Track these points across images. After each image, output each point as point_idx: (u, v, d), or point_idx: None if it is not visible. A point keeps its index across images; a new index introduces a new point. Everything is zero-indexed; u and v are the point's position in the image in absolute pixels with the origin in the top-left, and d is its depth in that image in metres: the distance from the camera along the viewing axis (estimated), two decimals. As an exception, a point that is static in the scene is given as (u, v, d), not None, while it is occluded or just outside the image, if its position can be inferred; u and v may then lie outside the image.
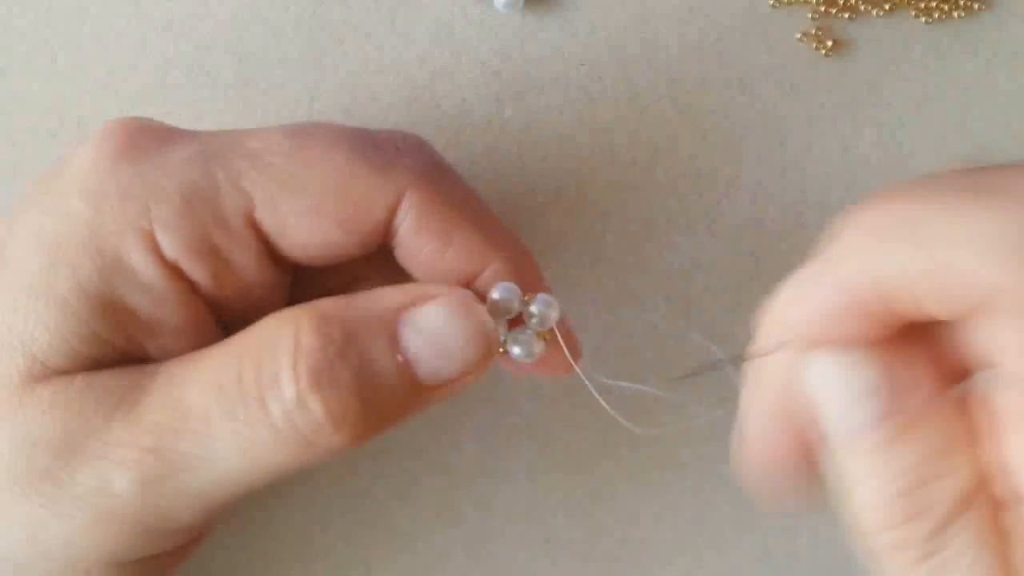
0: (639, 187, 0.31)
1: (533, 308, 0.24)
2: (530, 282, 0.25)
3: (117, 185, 0.22)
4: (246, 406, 0.22)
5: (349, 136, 0.24)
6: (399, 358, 0.22)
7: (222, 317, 0.24)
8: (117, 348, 0.23)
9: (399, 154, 0.24)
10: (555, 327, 0.24)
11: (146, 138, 0.23)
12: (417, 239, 0.24)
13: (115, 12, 0.30)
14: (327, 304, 0.22)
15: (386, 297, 0.23)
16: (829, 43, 0.31)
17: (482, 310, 0.23)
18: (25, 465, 0.22)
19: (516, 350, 0.24)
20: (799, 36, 0.31)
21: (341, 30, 0.30)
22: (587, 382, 0.25)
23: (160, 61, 0.30)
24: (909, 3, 0.31)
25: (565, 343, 0.25)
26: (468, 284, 0.24)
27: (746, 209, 0.32)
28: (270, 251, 0.24)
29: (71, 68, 0.30)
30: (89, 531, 0.22)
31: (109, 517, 0.22)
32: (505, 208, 0.31)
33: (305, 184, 0.23)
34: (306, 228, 0.23)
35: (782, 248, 0.32)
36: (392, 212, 0.23)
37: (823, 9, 0.31)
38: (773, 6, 0.31)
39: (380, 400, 0.22)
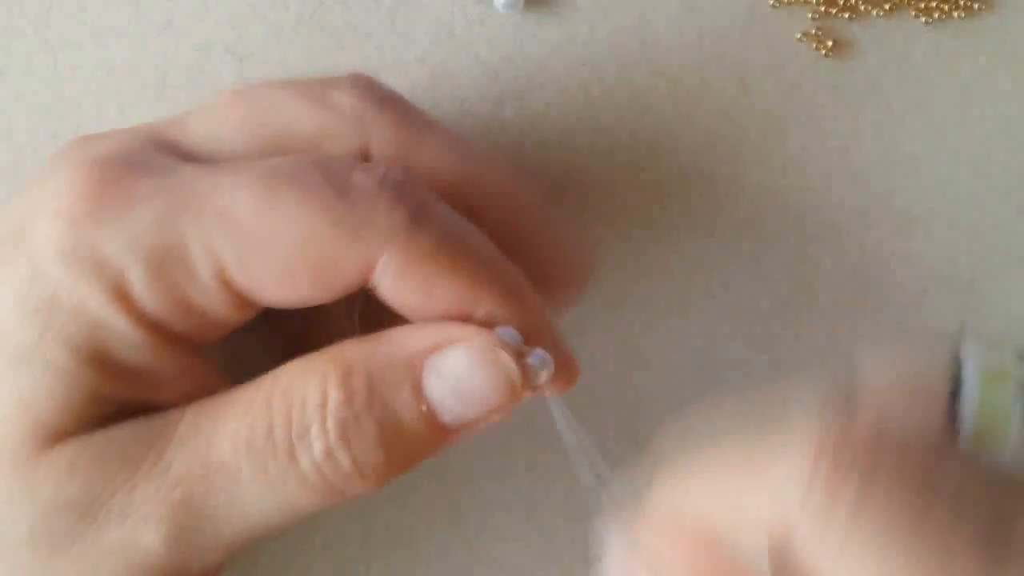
0: (639, 187, 0.31)
1: (528, 361, 0.24)
2: (528, 321, 0.24)
3: (91, 249, 0.22)
4: (276, 460, 0.22)
5: (322, 189, 0.22)
6: (423, 407, 0.22)
7: (205, 344, 0.24)
8: (122, 403, 0.23)
9: (377, 208, 0.22)
10: (547, 386, 0.24)
11: (114, 188, 0.22)
12: (397, 294, 0.23)
13: (115, 12, 0.30)
14: (351, 352, 0.22)
15: (409, 341, 0.23)
16: (829, 43, 0.31)
17: (506, 356, 0.23)
18: (50, 529, 0.22)
19: None
20: (799, 36, 0.31)
21: (341, 30, 0.30)
22: (570, 449, 0.26)
23: (160, 61, 0.30)
24: (909, 3, 0.31)
25: (562, 382, 0.25)
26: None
27: (746, 209, 0.32)
28: (245, 300, 0.23)
29: (71, 68, 0.30)
30: None
31: (138, 570, 0.22)
32: (505, 208, 0.31)
33: (275, 244, 0.22)
34: (278, 287, 0.23)
35: (782, 248, 0.32)
36: (367, 273, 0.23)
37: (823, 9, 0.31)
38: (773, 6, 0.31)
39: (405, 447, 0.22)
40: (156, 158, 0.24)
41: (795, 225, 0.32)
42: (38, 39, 0.30)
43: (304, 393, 0.22)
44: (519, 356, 0.23)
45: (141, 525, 0.22)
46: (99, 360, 0.22)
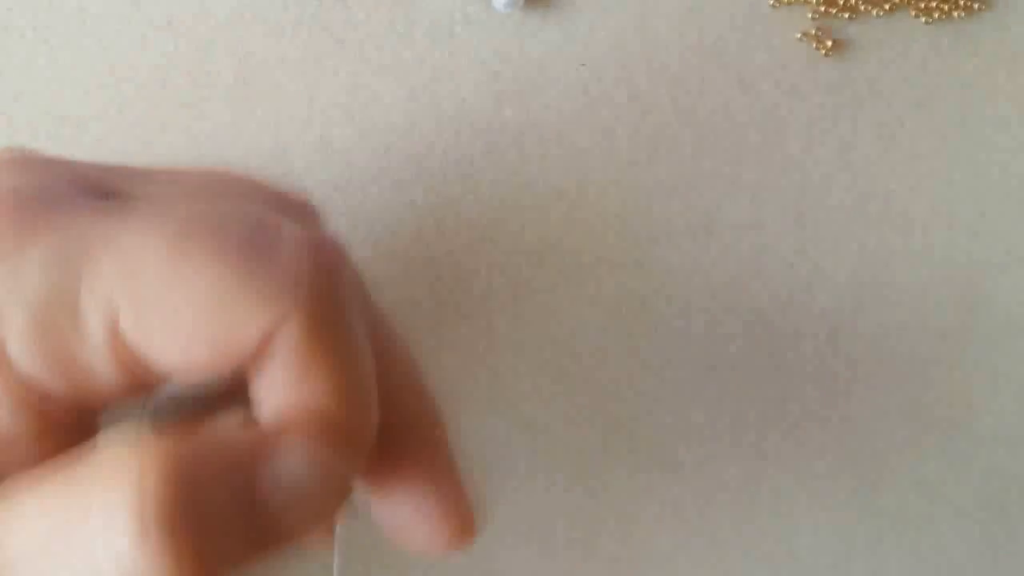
0: (639, 187, 0.31)
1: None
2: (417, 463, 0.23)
3: None
4: (75, 552, 0.19)
5: (238, 242, 0.21)
6: (250, 502, 0.20)
7: (77, 418, 0.22)
8: None
9: (291, 280, 0.21)
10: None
11: (4, 227, 0.20)
12: (279, 371, 0.21)
13: (115, 12, 0.30)
14: (175, 441, 0.20)
15: (244, 441, 0.21)
16: (829, 43, 0.31)
17: (336, 459, 0.21)
18: None
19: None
20: (799, 36, 0.31)
21: (341, 30, 0.30)
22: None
23: (160, 61, 0.30)
24: (909, 3, 0.31)
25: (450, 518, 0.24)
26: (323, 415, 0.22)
27: (746, 209, 0.32)
28: (135, 366, 0.21)
29: (71, 68, 0.30)
30: None
31: None
32: (505, 208, 0.31)
33: (177, 302, 0.20)
34: (174, 348, 0.21)
35: (782, 248, 0.32)
36: (266, 341, 0.21)
37: (823, 9, 0.31)
38: (773, 6, 0.31)
39: (232, 548, 0.20)
40: (71, 194, 0.22)
41: (795, 225, 0.32)
42: (38, 39, 0.30)
43: (112, 481, 0.19)
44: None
45: None
46: None
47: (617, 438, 0.33)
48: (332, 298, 0.22)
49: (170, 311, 0.20)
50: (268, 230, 0.22)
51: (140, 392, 0.22)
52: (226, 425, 0.21)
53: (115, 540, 0.19)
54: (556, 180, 0.31)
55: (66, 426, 0.22)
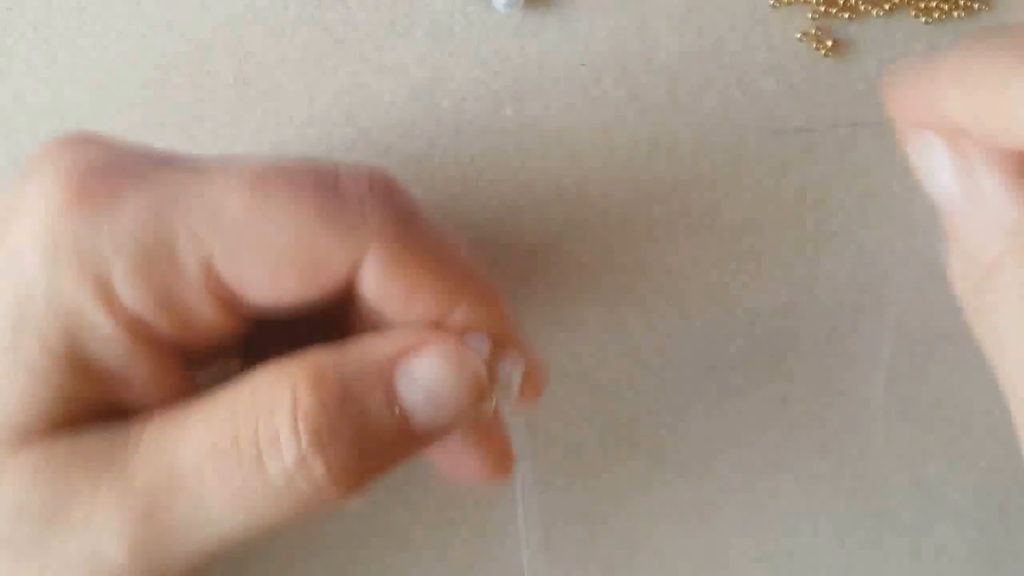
0: (639, 187, 0.31)
1: (500, 367, 0.24)
2: (499, 326, 0.25)
3: (74, 240, 0.22)
4: (243, 467, 0.21)
5: (313, 187, 0.23)
6: (397, 411, 0.22)
7: (189, 358, 0.24)
8: (91, 404, 0.23)
9: (365, 207, 0.23)
10: (515, 395, 0.25)
11: (99, 185, 0.22)
12: (380, 292, 0.23)
13: (115, 12, 0.30)
14: (321, 358, 0.22)
15: (379, 347, 0.23)
16: (829, 43, 0.31)
17: (476, 360, 0.23)
18: (12, 532, 0.22)
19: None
20: (799, 36, 0.31)
21: (341, 30, 0.30)
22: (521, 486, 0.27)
23: (160, 61, 0.30)
24: (909, 3, 0.31)
25: (530, 387, 0.25)
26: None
27: (746, 209, 0.32)
28: (230, 301, 0.23)
29: (71, 68, 0.30)
30: None
31: None
32: (505, 208, 0.31)
33: (265, 239, 0.22)
34: (266, 282, 0.23)
35: (782, 248, 0.32)
36: (354, 268, 0.23)
37: (823, 9, 0.31)
38: (773, 6, 0.31)
39: (378, 453, 0.22)
40: (143, 164, 0.23)
41: (795, 225, 0.32)
42: (38, 39, 0.30)
43: (272, 398, 0.22)
44: (490, 362, 0.24)
45: (104, 535, 0.21)
46: (73, 359, 0.22)
47: (617, 438, 0.33)
48: (406, 215, 0.24)
49: (257, 248, 0.22)
50: (331, 173, 0.24)
51: (239, 330, 0.24)
52: (372, 339, 0.23)
53: (278, 451, 0.21)
54: (556, 180, 0.31)
55: (177, 368, 0.24)
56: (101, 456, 0.22)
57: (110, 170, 0.23)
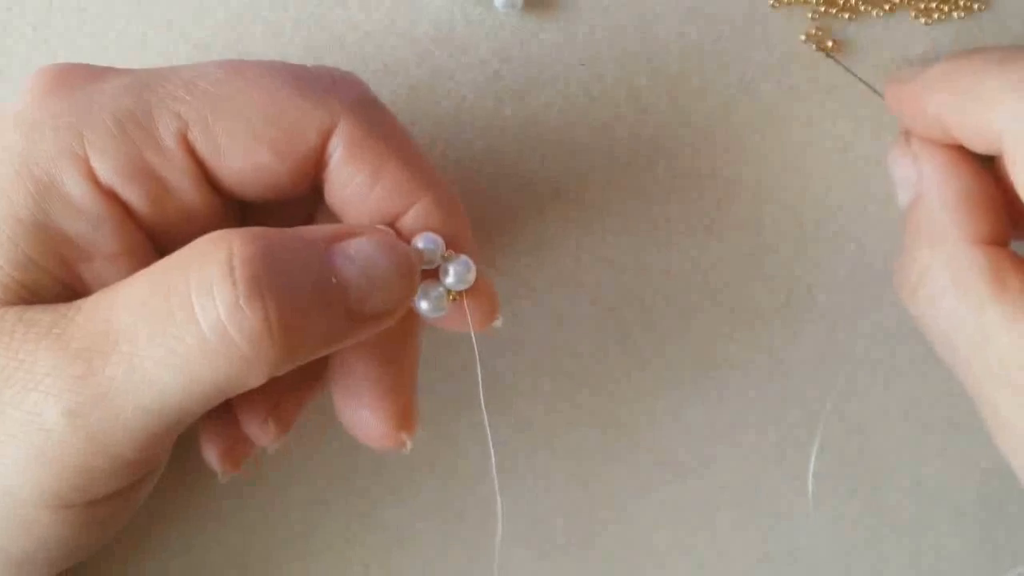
0: (639, 187, 0.31)
1: (450, 267, 0.25)
2: (454, 230, 0.25)
3: (50, 115, 0.23)
4: (176, 322, 0.21)
5: (284, 67, 0.24)
6: (334, 280, 0.22)
7: (163, 245, 0.24)
8: (53, 275, 0.23)
9: (335, 86, 0.24)
10: (466, 293, 0.25)
11: (78, 73, 0.24)
12: (347, 169, 0.24)
13: (115, 12, 0.30)
14: (260, 228, 0.22)
15: (317, 230, 0.23)
16: (829, 43, 0.31)
17: (407, 247, 0.24)
18: None
19: (424, 305, 0.25)
20: (800, 36, 0.31)
21: (341, 30, 0.30)
22: (476, 353, 0.26)
23: (160, 61, 0.30)
24: (909, 3, 0.31)
25: (484, 300, 0.25)
26: (393, 223, 0.25)
27: (746, 209, 0.32)
28: (206, 175, 0.24)
29: (71, 68, 0.30)
30: (26, 470, 0.21)
31: (44, 453, 0.21)
32: (504, 207, 0.31)
33: (239, 107, 0.23)
34: (240, 150, 0.23)
35: (782, 248, 0.32)
36: (325, 138, 0.23)
37: (823, 9, 0.31)
38: (773, 6, 0.31)
39: (315, 317, 0.22)
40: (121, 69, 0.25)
41: (795, 225, 0.32)
42: (38, 39, 0.30)
43: (208, 252, 0.21)
44: (443, 258, 0.24)
45: (41, 400, 0.21)
46: (40, 226, 0.22)
47: (617, 438, 0.33)
48: (374, 102, 0.25)
49: (232, 116, 0.23)
50: (302, 66, 0.25)
51: (217, 215, 0.24)
52: (311, 227, 0.23)
53: (211, 301, 0.21)
54: (556, 179, 0.31)
55: (150, 251, 0.24)
56: (45, 323, 0.22)
57: (89, 66, 0.24)
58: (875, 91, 0.31)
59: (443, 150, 0.31)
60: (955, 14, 0.31)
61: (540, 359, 0.32)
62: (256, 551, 0.32)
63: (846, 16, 0.31)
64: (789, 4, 0.31)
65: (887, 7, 0.31)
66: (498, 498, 0.28)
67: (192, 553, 0.32)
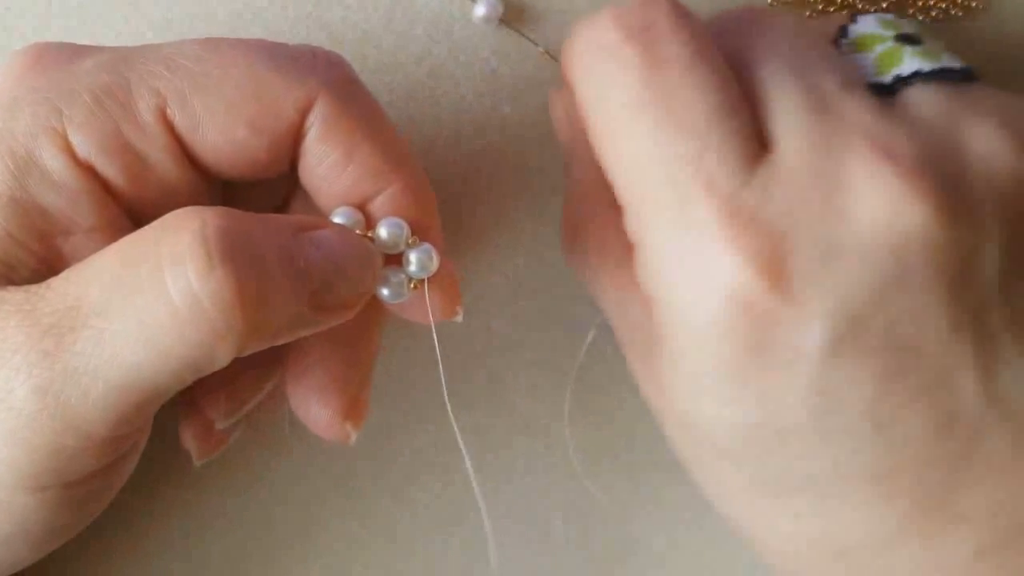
0: (638, 186, 0.31)
1: (412, 255, 0.25)
2: (421, 217, 0.25)
3: (29, 91, 0.23)
4: (145, 293, 0.21)
5: (263, 44, 0.24)
6: (301, 263, 0.22)
7: (141, 221, 0.24)
8: (31, 250, 0.23)
9: (315, 63, 0.24)
10: (427, 281, 0.25)
11: (56, 52, 0.24)
12: (321, 147, 0.24)
13: (115, 12, 0.30)
14: (231, 208, 0.22)
15: (285, 217, 0.23)
16: (828, 42, 0.31)
17: (369, 244, 0.24)
18: None
19: (385, 291, 0.25)
20: (798, 35, 0.31)
21: (339, 29, 0.30)
22: (436, 342, 0.26)
23: (160, 61, 0.30)
24: (908, 3, 0.31)
25: (445, 289, 0.26)
26: (363, 205, 0.25)
27: (745, 208, 0.31)
28: (185, 151, 0.24)
29: (71, 68, 0.30)
30: None
31: (15, 433, 0.21)
32: (503, 206, 0.31)
33: (217, 83, 0.23)
34: (218, 126, 0.23)
35: (781, 247, 0.32)
36: (303, 114, 0.24)
37: (821, 8, 0.31)
38: (772, 6, 0.31)
39: (282, 294, 0.22)
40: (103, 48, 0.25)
41: (794, 224, 0.32)
42: (38, 39, 0.30)
43: (179, 224, 0.21)
44: (380, 248, 0.25)
45: (12, 375, 0.21)
46: (18, 201, 0.22)
47: (616, 438, 0.33)
48: (354, 82, 0.25)
49: (211, 93, 0.23)
50: (282, 43, 0.25)
51: (196, 191, 0.24)
52: (276, 215, 0.24)
53: (182, 269, 0.21)
54: (555, 179, 0.31)
55: (128, 227, 0.23)
56: (16, 301, 0.22)
57: (67, 44, 0.24)
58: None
59: (442, 149, 0.31)
60: (954, 12, 0.31)
61: (540, 359, 0.32)
62: (256, 551, 0.32)
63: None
64: (788, 4, 0.31)
65: (884, 6, 0.31)
66: (480, 501, 0.28)
67: (193, 553, 0.32)
